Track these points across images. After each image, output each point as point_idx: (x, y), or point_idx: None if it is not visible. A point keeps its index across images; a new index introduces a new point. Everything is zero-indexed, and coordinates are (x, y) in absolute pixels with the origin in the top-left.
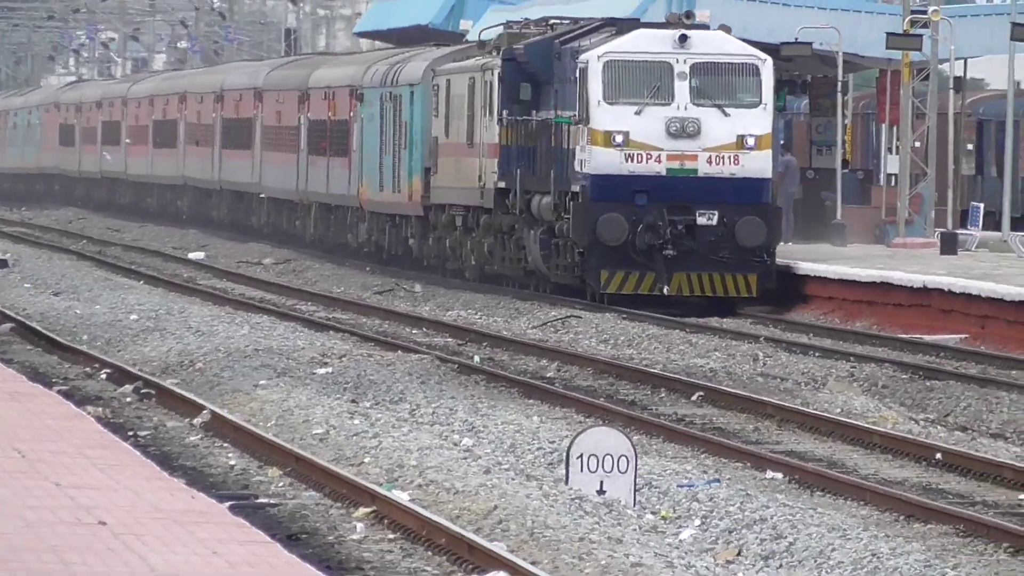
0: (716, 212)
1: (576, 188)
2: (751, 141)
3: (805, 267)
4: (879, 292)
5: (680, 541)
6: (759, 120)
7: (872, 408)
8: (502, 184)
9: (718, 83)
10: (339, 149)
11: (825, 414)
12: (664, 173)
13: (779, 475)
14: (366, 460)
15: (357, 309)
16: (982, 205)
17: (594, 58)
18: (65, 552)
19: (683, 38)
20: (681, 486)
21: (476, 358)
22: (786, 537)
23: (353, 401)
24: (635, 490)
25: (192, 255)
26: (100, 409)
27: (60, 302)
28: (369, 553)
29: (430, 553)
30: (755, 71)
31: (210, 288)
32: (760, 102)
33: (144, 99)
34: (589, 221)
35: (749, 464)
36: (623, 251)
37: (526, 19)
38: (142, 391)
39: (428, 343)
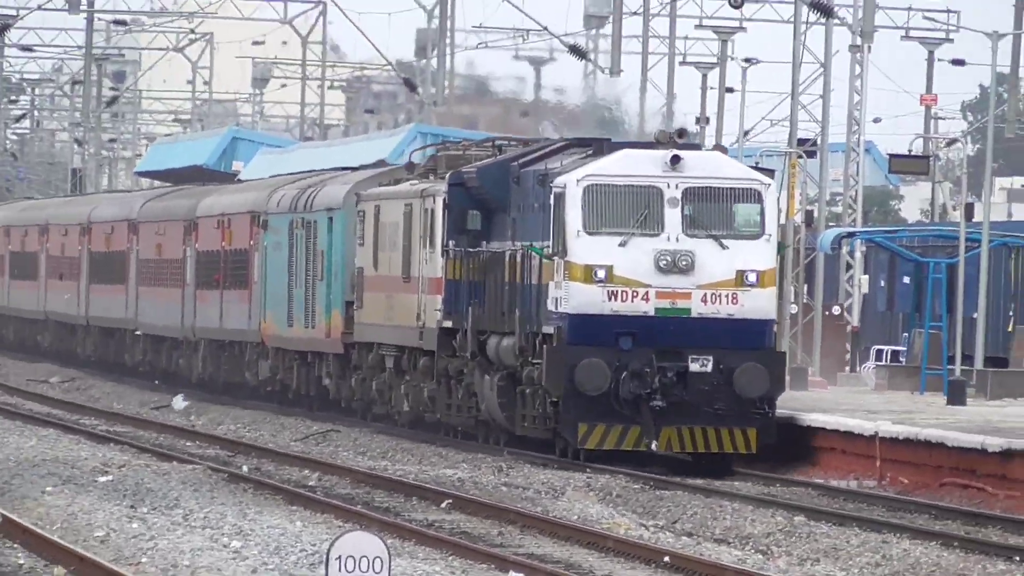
0: (711, 357)
1: (550, 329)
2: (752, 277)
3: None
4: None
5: None
6: (761, 253)
7: (607, 515)
8: (448, 323)
9: (715, 211)
10: (237, 281)
11: (563, 520)
12: (652, 313)
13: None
14: (143, 560)
15: (136, 423)
16: None
17: (572, 182)
18: None
19: (675, 159)
20: None
21: (244, 468)
22: None
23: (132, 507)
24: None
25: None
26: None
27: None
28: None
29: None
30: (757, 196)
31: (2, 404)
32: (763, 233)
33: None
34: (566, 367)
35: (494, 566)
36: (604, 401)
37: (465, 140)
38: None
39: (201, 454)
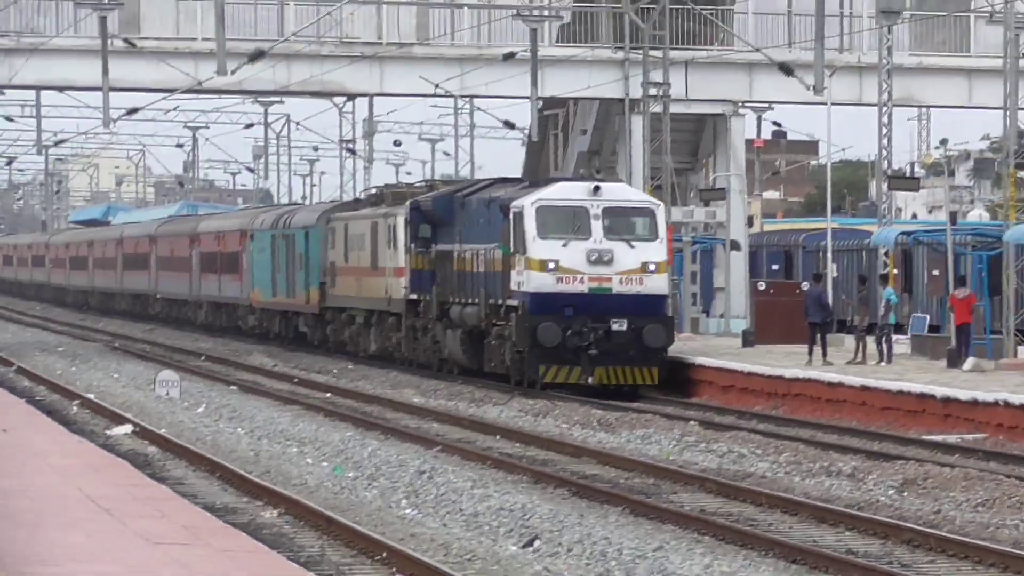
0: (626, 321)
1: (514, 302)
2: (652, 267)
3: None
4: None
5: (198, 413)
6: (657, 251)
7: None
8: (413, 296)
9: (625, 223)
10: (231, 269)
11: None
12: (586, 291)
13: None
14: (77, 383)
15: (104, 334)
16: None
17: (528, 204)
18: None
19: (596, 188)
20: (192, 395)
21: (116, 344)
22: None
23: (72, 362)
24: (180, 393)
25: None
26: None
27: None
28: None
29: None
30: (652, 213)
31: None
32: (657, 237)
33: (62, 245)
34: (530, 328)
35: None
36: (556, 351)
37: (400, 183)
38: None
39: (107, 340)
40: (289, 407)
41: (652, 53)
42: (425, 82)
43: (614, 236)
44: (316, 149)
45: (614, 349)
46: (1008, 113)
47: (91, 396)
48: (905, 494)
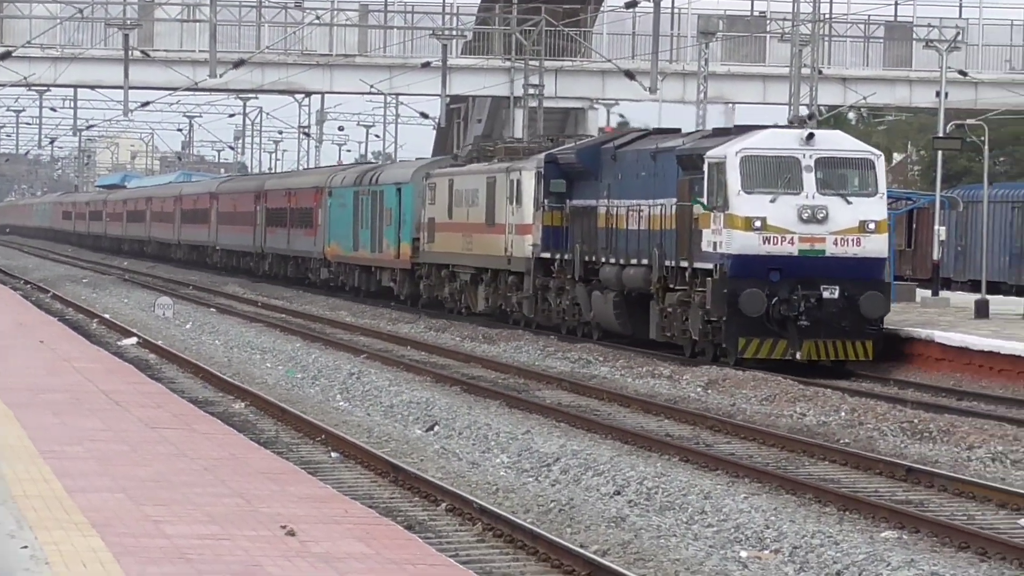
0: (838, 287)
1: (707, 265)
2: (872, 226)
3: None
4: None
5: (186, 328)
6: (877, 207)
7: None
8: (545, 254)
9: (840, 176)
10: (303, 224)
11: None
12: (796, 253)
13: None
14: (98, 306)
15: (130, 274)
16: None
17: (732, 154)
18: None
19: (810, 136)
20: (182, 315)
21: (126, 275)
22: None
23: (91, 288)
24: (173, 314)
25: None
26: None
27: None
28: None
29: None
30: (871, 165)
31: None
32: (877, 192)
33: (121, 200)
34: (730, 295)
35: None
36: (758, 321)
37: (498, 139)
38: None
39: (121, 273)
40: (254, 324)
41: (531, 63)
42: (363, 83)
43: (828, 190)
44: (280, 133)
45: (825, 319)
46: (792, 108)
47: (107, 316)
48: (709, 392)
